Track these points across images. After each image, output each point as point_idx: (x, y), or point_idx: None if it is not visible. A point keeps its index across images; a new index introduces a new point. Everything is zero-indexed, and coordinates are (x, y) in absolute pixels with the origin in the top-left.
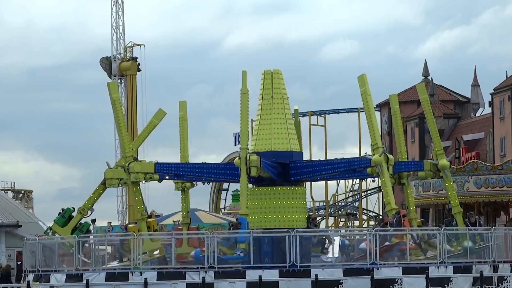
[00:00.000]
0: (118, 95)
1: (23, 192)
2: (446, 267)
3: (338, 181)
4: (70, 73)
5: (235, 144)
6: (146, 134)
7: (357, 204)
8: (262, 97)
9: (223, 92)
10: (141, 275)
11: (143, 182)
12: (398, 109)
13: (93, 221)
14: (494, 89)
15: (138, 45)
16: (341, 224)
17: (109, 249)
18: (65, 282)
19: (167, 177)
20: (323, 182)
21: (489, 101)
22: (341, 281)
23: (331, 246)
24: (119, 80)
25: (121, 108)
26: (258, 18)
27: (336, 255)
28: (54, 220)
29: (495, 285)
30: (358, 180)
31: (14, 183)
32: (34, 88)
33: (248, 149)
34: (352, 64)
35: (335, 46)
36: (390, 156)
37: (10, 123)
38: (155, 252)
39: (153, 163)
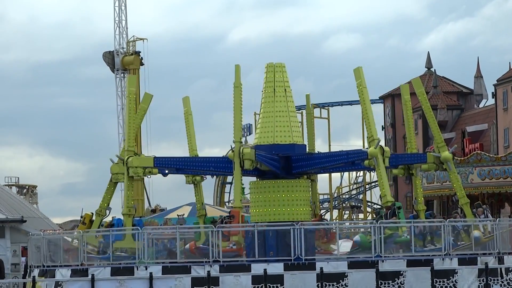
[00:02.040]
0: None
1: (27, 187)
2: (451, 259)
3: (342, 173)
4: (74, 68)
5: None
6: (139, 121)
7: (361, 196)
8: (264, 90)
9: (226, 86)
10: (146, 269)
11: (143, 176)
12: (409, 99)
13: None
14: (497, 80)
15: (140, 39)
16: (345, 216)
17: None
18: (70, 277)
19: (166, 171)
20: (327, 175)
21: (492, 92)
22: (346, 274)
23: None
24: (122, 74)
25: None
26: (261, 12)
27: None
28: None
29: (500, 276)
30: (362, 172)
31: (18, 178)
32: (38, 83)
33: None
34: (355, 57)
35: (338, 40)
36: (386, 148)
37: (15, 119)
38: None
39: (152, 157)
